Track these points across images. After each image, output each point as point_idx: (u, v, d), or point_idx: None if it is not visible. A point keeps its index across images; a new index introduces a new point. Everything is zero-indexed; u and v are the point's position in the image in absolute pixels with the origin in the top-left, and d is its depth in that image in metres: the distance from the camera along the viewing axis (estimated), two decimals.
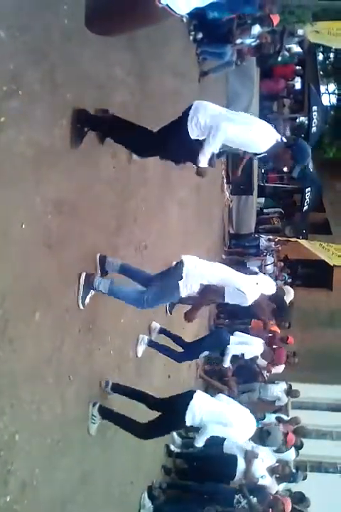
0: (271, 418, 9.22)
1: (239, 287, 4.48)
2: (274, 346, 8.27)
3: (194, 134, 4.10)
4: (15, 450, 3.26)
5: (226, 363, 7.21)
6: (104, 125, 4.30)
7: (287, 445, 8.00)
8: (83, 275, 4.31)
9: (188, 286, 4.44)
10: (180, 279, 4.40)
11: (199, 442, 5.06)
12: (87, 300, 4.37)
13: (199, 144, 4.12)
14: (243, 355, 7.27)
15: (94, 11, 2.32)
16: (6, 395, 3.16)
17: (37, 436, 3.57)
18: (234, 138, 4.12)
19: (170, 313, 7.08)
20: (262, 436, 5.57)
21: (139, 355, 6.08)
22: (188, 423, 4.81)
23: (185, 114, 4.15)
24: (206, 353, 7.20)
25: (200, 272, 4.49)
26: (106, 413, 4.83)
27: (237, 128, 4.08)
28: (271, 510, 6.64)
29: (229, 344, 7.06)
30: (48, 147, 3.51)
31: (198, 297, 4.60)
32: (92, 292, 4.42)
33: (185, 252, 4.65)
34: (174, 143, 4.20)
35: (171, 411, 4.91)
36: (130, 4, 2.00)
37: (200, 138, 4.11)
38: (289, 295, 9.68)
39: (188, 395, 4.89)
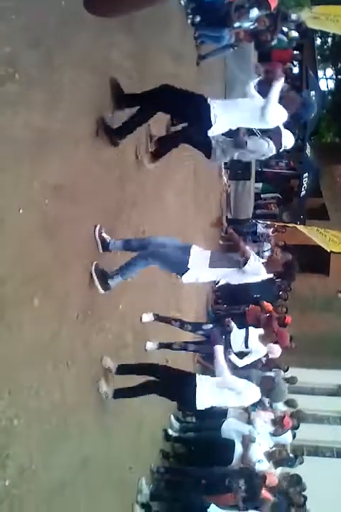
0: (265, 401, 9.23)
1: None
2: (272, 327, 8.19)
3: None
4: (14, 435, 3.26)
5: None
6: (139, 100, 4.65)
7: (284, 428, 8.04)
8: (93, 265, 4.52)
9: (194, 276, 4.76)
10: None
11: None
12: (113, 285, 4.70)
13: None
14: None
15: None
16: (4, 380, 3.16)
17: (35, 421, 3.57)
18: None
19: None
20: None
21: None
22: (199, 408, 4.89)
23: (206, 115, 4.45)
24: None
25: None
26: (118, 392, 4.99)
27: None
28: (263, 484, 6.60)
29: None
30: (46, 131, 3.48)
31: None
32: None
33: (183, 237, 4.67)
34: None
35: (181, 393, 5.02)
36: None
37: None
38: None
39: (192, 383, 4.93)
